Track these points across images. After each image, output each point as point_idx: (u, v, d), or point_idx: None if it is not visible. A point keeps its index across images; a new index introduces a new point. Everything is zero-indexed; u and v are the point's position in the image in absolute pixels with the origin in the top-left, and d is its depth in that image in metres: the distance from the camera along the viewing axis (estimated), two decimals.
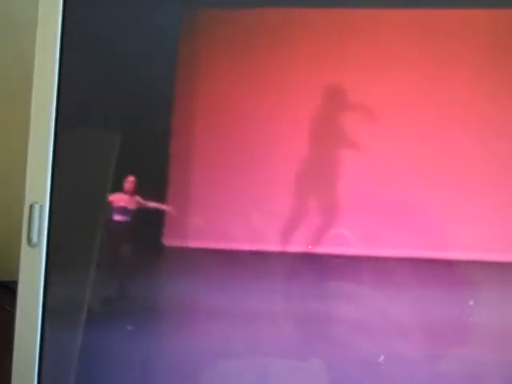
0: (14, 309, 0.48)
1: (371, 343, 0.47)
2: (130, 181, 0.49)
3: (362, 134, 0.48)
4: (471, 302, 0.47)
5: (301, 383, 0.47)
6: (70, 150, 0.49)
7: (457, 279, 0.47)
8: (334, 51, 0.50)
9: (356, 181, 0.48)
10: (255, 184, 0.49)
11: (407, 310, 0.47)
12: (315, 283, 0.47)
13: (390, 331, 0.47)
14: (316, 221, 0.48)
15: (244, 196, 0.49)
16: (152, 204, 0.49)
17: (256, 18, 0.50)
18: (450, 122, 0.48)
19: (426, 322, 0.47)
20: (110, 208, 0.49)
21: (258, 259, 0.48)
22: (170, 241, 0.49)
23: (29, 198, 0.48)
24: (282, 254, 0.48)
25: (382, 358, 0.47)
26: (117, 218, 0.49)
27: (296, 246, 0.48)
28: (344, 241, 0.48)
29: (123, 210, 0.49)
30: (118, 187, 0.49)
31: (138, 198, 0.49)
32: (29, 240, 0.48)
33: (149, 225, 0.49)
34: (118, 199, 0.49)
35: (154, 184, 0.49)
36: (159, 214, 0.49)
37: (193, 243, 0.49)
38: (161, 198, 0.49)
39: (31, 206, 0.48)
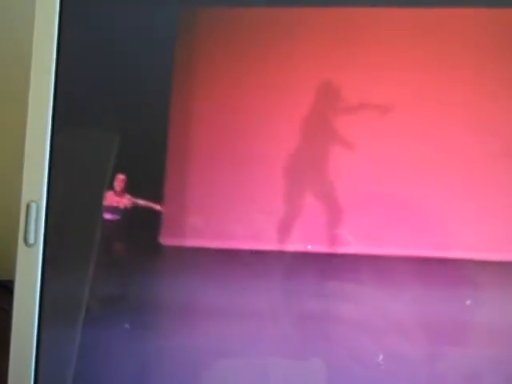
0: (12, 308, 0.48)
1: (371, 342, 0.46)
2: (119, 179, 0.49)
3: (363, 133, 0.48)
4: (472, 302, 0.47)
5: (300, 382, 0.47)
6: (67, 149, 0.49)
7: (458, 278, 0.47)
8: (335, 50, 0.49)
9: (356, 180, 0.48)
10: (254, 182, 0.49)
11: (408, 309, 0.47)
12: (314, 282, 0.47)
13: (390, 330, 0.47)
14: (315, 220, 0.48)
15: (242, 195, 0.49)
16: (142, 202, 0.49)
17: (255, 17, 0.50)
18: (452, 121, 0.48)
19: (428, 322, 0.47)
20: (101, 207, 0.49)
21: (257, 258, 0.48)
22: (167, 239, 0.49)
23: (25, 196, 0.48)
24: (281, 253, 0.48)
25: (381, 357, 0.46)
26: (107, 216, 0.49)
27: (295, 245, 0.48)
28: (344, 240, 0.47)
29: (113, 209, 0.49)
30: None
31: (128, 196, 0.49)
32: (25, 239, 0.48)
33: (146, 223, 0.49)
34: (108, 198, 0.49)
35: (152, 182, 0.49)
36: (156, 213, 0.49)
37: (190, 242, 0.49)
38: (158, 197, 0.49)
39: (28, 205, 0.48)
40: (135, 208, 0.49)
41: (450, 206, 0.47)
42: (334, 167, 0.48)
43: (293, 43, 0.50)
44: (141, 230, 0.49)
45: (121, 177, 0.49)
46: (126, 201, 0.48)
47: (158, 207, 0.49)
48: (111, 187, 0.49)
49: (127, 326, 0.48)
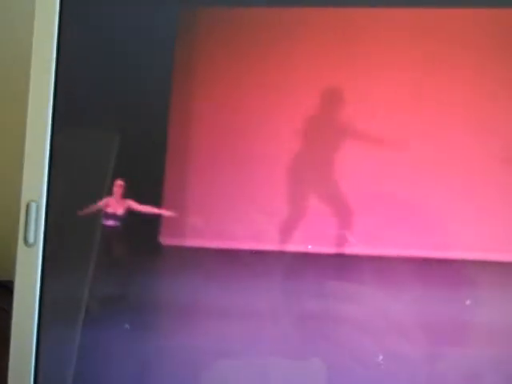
0: (12, 308, 0.48)
1: (371, 342, 0.46)
2: (118, 184, 0.49)
3: (363, 133, 0.48)
4: (472, 302, 0.46)
5: (301, 383, 0.47)
6: (67, 149, 0.49)
7: (458, 279, 0.47)
8: (335, 50, 0.49)
9: (357, 180, 0.48)
10: (254, 182, 0.49)
11: (408, 309, 0.47)
12: (314, 282, 0.47)
13: (390, 330, 0.46)
14: (315, 220, 0.48)
15: (242, 195, 0.49)
16: (142, 207, 0.49)
17: (255, 17, 0.50)
18: (452, 121, 0.48)
19: (428, 322, 0.46)
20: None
21: (257, 258, 0.48)
22: (167, 239, 0.49)
23: (25, 196, 0.48)
24: (281, 253, 0.48)
25: (381, 357, 0.46)
26: (106, 223, 0.49)
27: (295, 246, 0.48)
28: (344, 240, 0.47)
29: (112, 216, 0.49)
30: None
31: (128, 202, 0.49)
32: (25, 239, 0.48)
33: (146, 223, 0.49)
34: (106, 204, 0.49)
35: (152, 182, 0.49)
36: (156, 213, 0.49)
37: (190, 242, 0.49)
38: (158, 198, 0.49)
39: (28, 205, 0.48)
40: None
41: (450, 206, 0.47)
42: (334, 167, 0.48)
43: (293, 43, 0.50)
44: (141, 229, 0.49)
45: (119, 182, 0.49)
46: (124, 208, 0.48)
47: (158, 211, 0.49)
48: (110, 193, 0.49)
49: (127, 326, 0.48)
